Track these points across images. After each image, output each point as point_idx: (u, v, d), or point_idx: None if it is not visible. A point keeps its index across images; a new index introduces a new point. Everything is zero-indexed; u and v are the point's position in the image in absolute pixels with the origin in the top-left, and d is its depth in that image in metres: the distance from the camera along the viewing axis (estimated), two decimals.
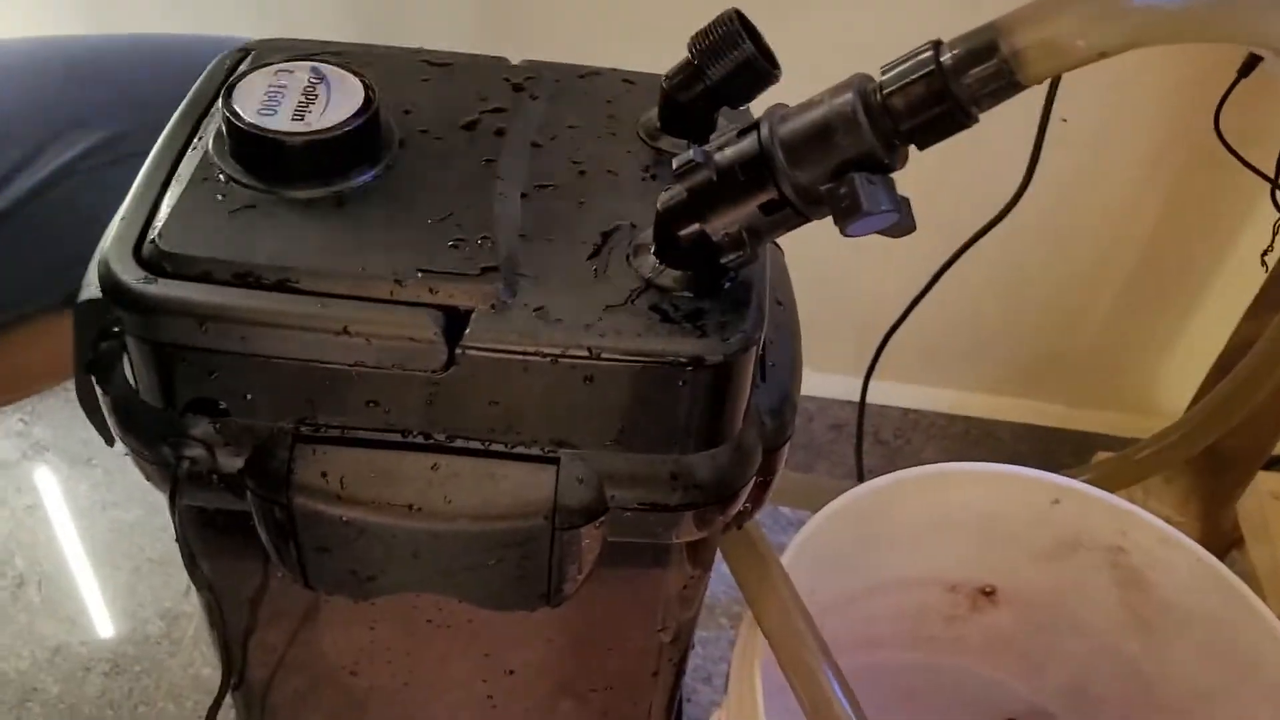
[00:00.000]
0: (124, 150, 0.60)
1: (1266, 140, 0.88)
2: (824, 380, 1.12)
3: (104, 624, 0.98)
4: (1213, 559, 0.60)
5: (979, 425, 1.12)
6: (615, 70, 0.55)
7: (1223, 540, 0.94)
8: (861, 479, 1.09)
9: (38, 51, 0.66)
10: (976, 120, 0.38)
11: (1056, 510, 0.63)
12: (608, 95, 0.53)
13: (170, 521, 0.48)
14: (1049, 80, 0.75)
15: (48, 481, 1.08)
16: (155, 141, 0.48)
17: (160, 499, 0.48)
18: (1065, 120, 0.82)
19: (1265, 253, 0.92)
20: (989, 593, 0.68)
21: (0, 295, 0.64)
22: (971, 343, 1.12)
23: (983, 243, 0.91)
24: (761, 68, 0.47)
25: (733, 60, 0.47)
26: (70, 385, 0.73)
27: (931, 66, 0.37)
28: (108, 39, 0.68)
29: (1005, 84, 0.36)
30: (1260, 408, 0.84)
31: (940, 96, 0.37)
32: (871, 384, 1.05)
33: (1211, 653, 0.64)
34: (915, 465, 1.19)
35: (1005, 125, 0.65)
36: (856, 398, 1.06)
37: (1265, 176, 0.89)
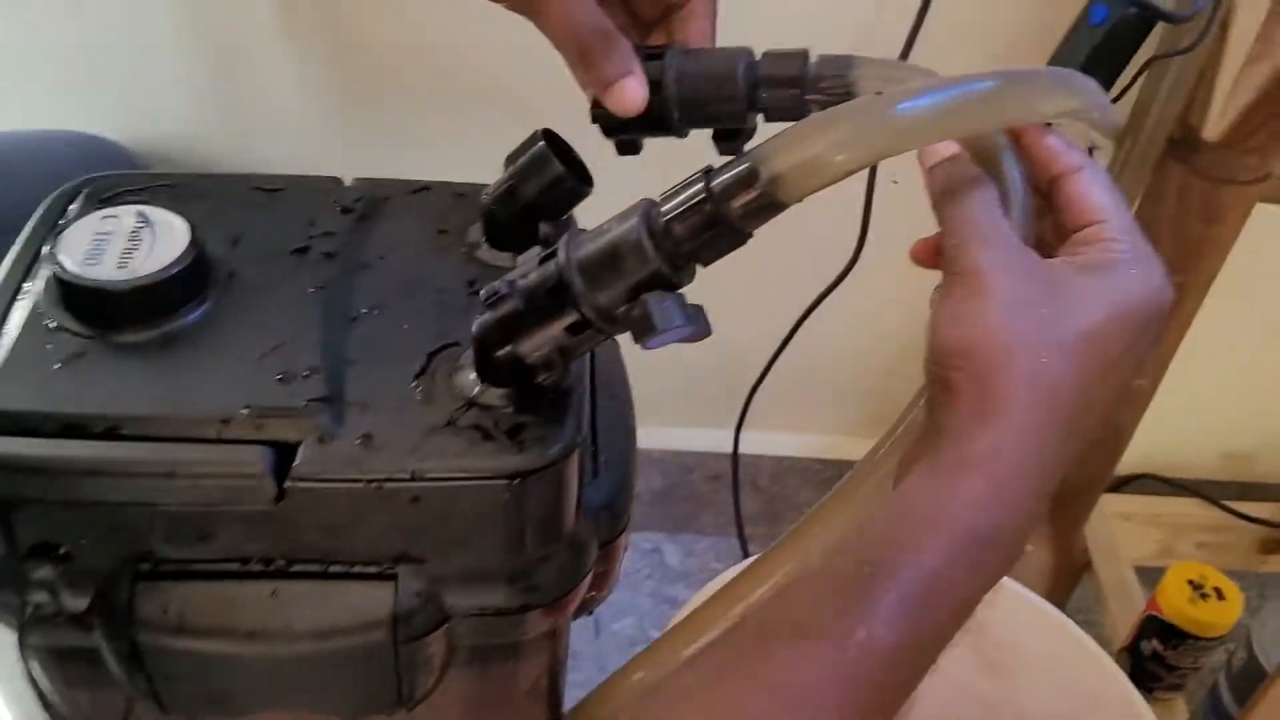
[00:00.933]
0: None
1: None
2: (699, 434, 1.16)
3: None
4: (1038, 599, 0.64)
5: (849, 467, 1.16)
6: (446, 184, 0.57)
7: (1075, 563, 0.99)
8: (740, 526, 1.13)
9: None
10: (749, 237, 0.41)
11: None
12: (437, 211, 0.55)
13: None
14: None
15: None
16: None
17: None
18: (895, 182, 0.87)
19: None
20: None
21: None
22: (836, 390, 1.17)
23: (835, 296, 0.95)
24: (571, 185, 0.50)
25: (543, 179, 0.50)
26: None
27: (703, 194, 0.40)
28: None
29: (768, 205, 0.40)
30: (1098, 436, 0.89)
31: (713, 221, 0.40)
32: (745, 435, 1.09)
33: (1056, 687, 0.68)
34: (791, 509, 1.23)
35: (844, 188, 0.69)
36: (730, 449, 1.10)
37: None
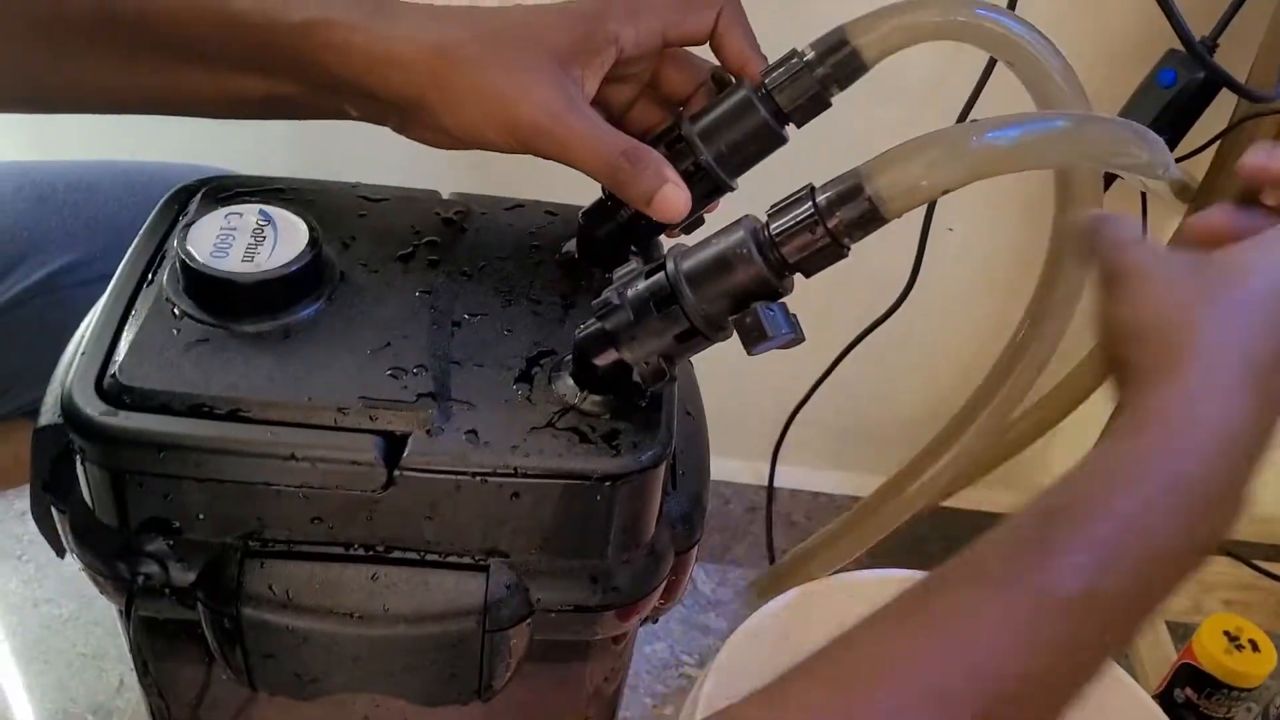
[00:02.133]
0: (89, 274, 0.63)
1: None
2: (739, 466, 1.18)
3: None
4: None
5: None
6: (539, 202, 0.60)
7: None
8: (773, 559, 1.14)
9: None
10: (849, 250, 0.44)
11: None
12: (531, 226, 0.58)
13: (104, 616, 0.51)
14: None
15: None
16: (118, 264, 0.51)
17: (95, 593, 0.51)
18: (951, 230, 0.89)
19: None
20: None
21: None
22: (873, 429, 1.18)
23: (877, 335, 0.98)
24: None
25: None
26: None
27: (810, 208, 0.43)
28: (69, 164, 0.72)
29: (871, 219, 0.43)
30: None
31: (818, 233, 0.43)
32: (783, 469, 1.11)
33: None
34: None
35: (896, 233, 0.72)
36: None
37: None
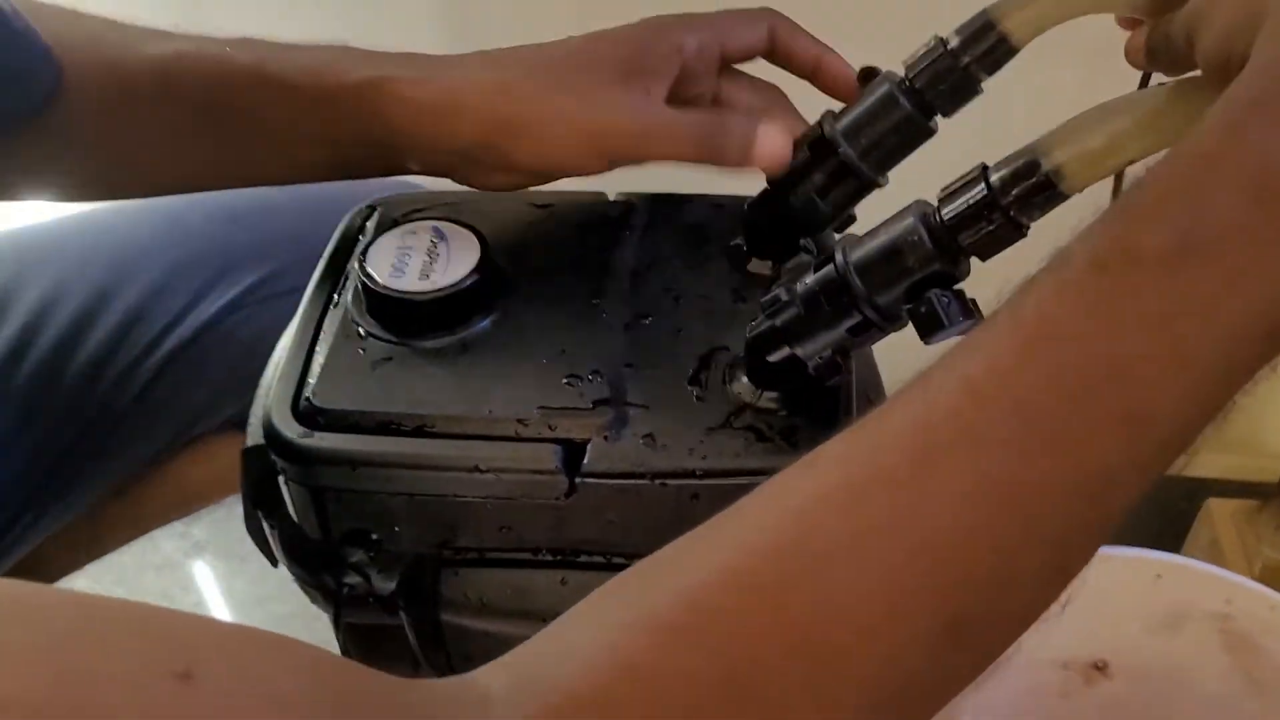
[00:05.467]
0: (280, 287, 0.67)
1: None
2: None
3: None
4: None
5: None
6: (704, 196, 0.60)
7: None
8: None
9: (186, 205, 0.74)
10: (1027, 231, 0.41)
11: (1160, 584, 0.65)
12: (698, 221, 0.58)
13: (322, 611, 0.53)
14: None
15: (207, 579, 1.17)
16: (305, 276, 0.54)
17: None
18: None
19: None
20: (1101, 667, 0.70)
21: (175, 422, 0.71)
22: None
23: None
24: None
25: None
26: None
27: (983, 189, 0.41)
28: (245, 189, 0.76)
29: (1050, 196, 0.40)
30: None
31: (993, 214, 0.41)
32: None
33: None
34: None
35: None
36: None
37: None
